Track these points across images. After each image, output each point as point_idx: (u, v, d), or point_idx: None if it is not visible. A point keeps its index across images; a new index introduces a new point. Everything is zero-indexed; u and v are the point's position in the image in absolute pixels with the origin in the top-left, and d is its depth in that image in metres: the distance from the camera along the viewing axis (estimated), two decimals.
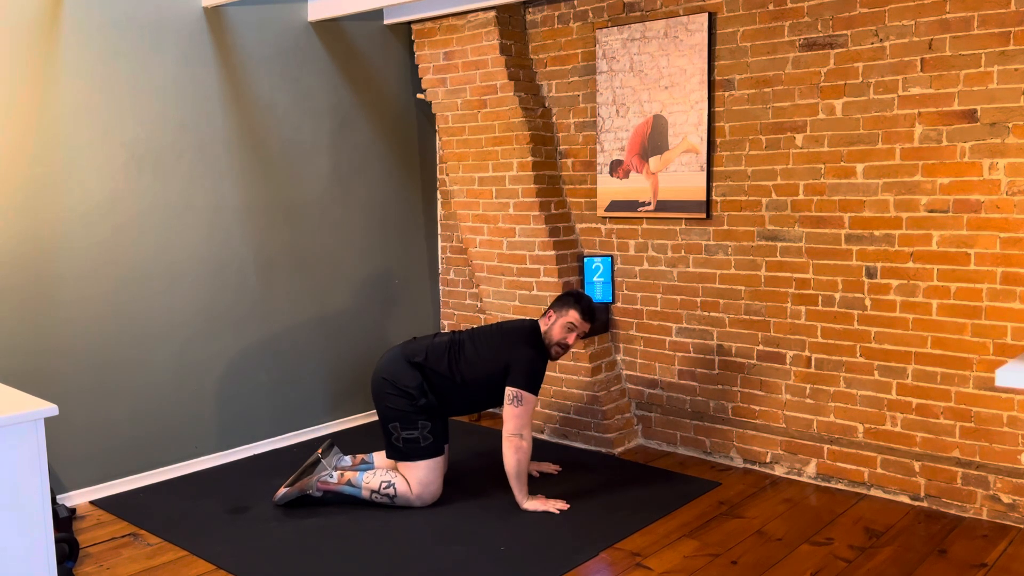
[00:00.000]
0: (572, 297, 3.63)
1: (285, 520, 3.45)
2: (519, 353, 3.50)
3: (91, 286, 3.67)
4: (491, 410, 5.08)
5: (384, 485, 3.52)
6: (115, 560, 3.14)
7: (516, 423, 3.45)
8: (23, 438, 2.21)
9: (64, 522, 3.16)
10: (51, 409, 2.24)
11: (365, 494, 3.54)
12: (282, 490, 3.55)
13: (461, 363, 3.55)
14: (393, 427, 3.51)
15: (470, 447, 4.38)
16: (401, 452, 3.53)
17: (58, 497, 3.59)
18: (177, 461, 4.02)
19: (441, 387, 3.54)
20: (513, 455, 3.46)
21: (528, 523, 3.40)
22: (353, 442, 4.46)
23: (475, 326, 3.73)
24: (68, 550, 3.02)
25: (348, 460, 3.71)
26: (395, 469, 3.63)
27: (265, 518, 3.47)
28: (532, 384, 3.48)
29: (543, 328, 3.62)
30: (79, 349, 3.65)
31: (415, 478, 3.52)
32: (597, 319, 3.66)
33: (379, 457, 3.76)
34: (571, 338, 3.60)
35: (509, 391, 3.46)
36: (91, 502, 3.69)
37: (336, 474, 3.56)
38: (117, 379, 3.78)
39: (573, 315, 3.58)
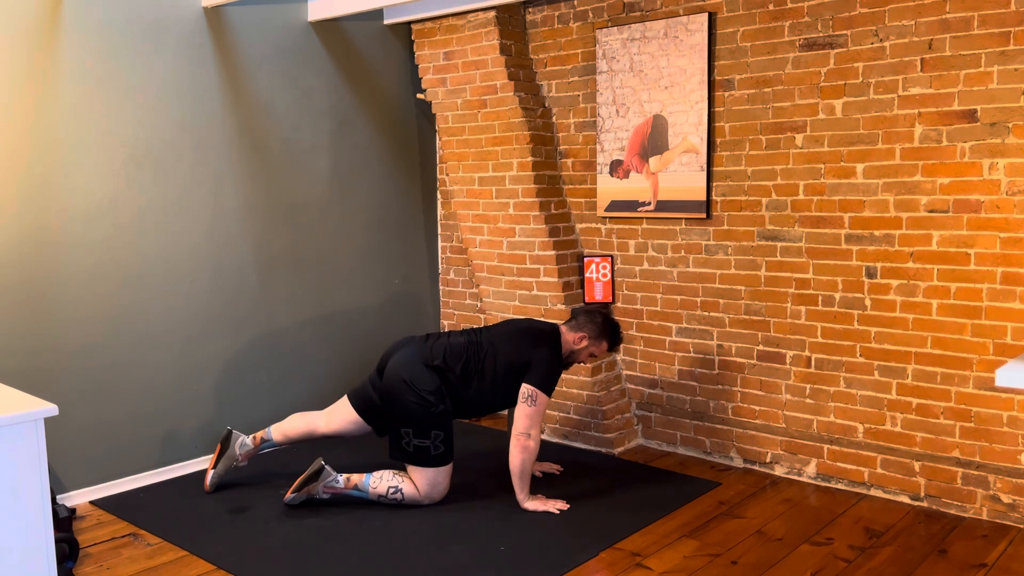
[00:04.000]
0: (613, 331, 3.69)
1: (285, 520, 3.45)
2: (541, 353, 3.52)
3: (91, 286, 3.67)
4: None
5: (391, 491, 3.52)
6: (115, 560, 3.14)
7: (526, 422, 3.45)
8: (23, 438, 2.21)
9: (64, 522, 3.16)
10: (51, 409, 2.24)
11: (372, 498, 3.54)
12: (289, 494, 3.55)
13: (482, 364, 3.54)
14: (405, 432, 3.48)
15: (470, 447, 4.38)
16: (410, 456, 3.51)
17: (58, 497, 3.59)
18: (177, 461, 4.02)
19: (458, 390, 3.54)
20: (519, 454, 3.46)
21: (528, 523, 3.40)
22: (353, 442, 4.45)
23: (488, 325, 3.73)
24: (68, 550, 3.02)
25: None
26: (401, 471, 3.63)
27: (265, 518, 3.47)
28: (548, 385, 3.49)
29: (570, 340, 3.64)
30: (79, 349, 3.65)
31: (424, 479, 3.52)
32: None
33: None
34: (589, 360, 3.73)
35: (525, 388, 3.47)
36: (91, 502, 3.69)
37: (342, 479, 3.54)
38: (117, 379, 3.78)
39: (604, 347, 3.70)
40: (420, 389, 3.46)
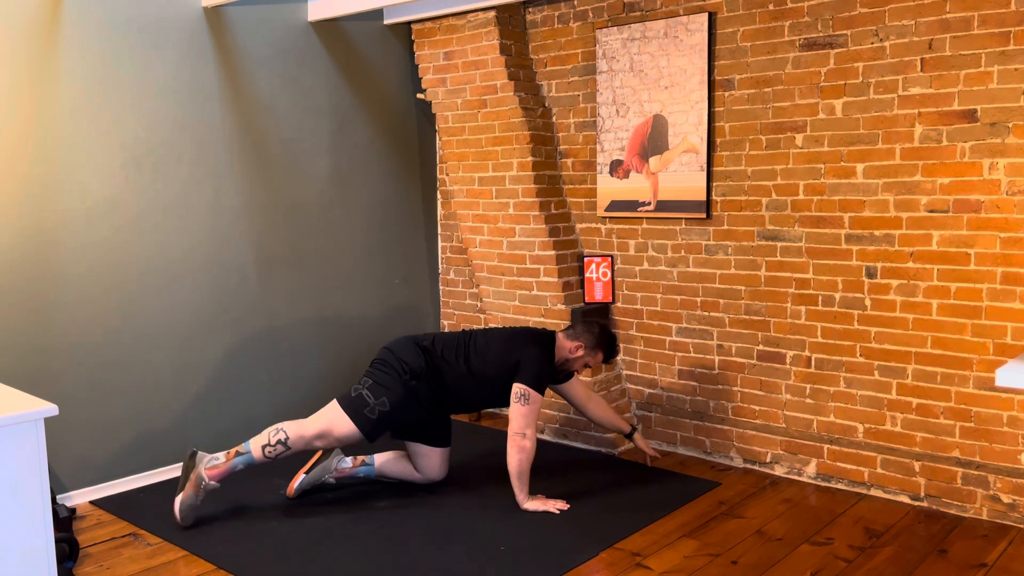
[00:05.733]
0: (609, 343, 3.69)
1: (285, 520, 3.45)
2: (531, 351, 3.52)
3: (91, 286, 3.67)
4: (491, 410, 5.08)
5: (273, 432, 3.42)
6: (115, 560, 3.14)
7: (521, 422, 3.46)
8: (23, 438, 2.21)
9: (64, 522, 3.16)
10: (51, 409, 2.24)
11: (257, 454, 3.39)
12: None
13: (471, 352, 3.58)
14: (363, 380, 3.53)
15: (471, 447, 4.38)
16: (346, 398, 3.48)
17: (58, 497, 3.59)
18: (177, 461, 4.02)
19: (446, 375, 3.56)
20: (516, 454, 3.46)
21: (528, 523, 3.40)
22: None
23: (487, 327, 3.78)
24: (68, 550, 3.02)
25: (348, 462, 3.74)
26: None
27: (265, 518, 3.48)
28: (539, 383, 3.49)
29: (566, 348, 3.65)
30: (79, 349, 3.65)
31: (325, 419, 3.44)
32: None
33: (380, 459, 3.77)
34: (583, 370, 3.77)
35: (516, 388, 3.47)
36: (91, 502, 3.69)
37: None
38: (117, 379, 3.78)
39: (599, 358, 3.71)
40: (401, 357, 3.53)
